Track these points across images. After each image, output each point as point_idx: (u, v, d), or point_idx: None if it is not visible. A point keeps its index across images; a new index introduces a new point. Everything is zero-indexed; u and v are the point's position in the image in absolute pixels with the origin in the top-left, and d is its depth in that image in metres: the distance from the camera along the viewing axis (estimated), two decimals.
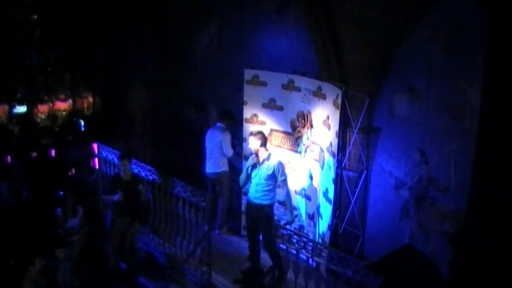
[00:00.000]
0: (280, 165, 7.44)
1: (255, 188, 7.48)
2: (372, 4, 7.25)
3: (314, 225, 8.00)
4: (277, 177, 7.38)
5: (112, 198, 8.10)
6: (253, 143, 7.47)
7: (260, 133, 7.55)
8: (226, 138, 8.67)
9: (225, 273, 7.85)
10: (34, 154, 10.79)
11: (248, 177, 7.54)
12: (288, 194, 7.55)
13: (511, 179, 6.42)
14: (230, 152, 8.70)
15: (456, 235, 6.88)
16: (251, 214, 7.58)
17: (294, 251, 6.61)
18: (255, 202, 7.49)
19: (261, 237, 7.66)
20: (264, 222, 7.39)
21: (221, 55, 10.13)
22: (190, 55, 10.71)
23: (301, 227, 8.19)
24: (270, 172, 7.37)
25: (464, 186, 6.85)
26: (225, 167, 8.80)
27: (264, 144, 7.44)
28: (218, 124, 8.77)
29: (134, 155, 9.72)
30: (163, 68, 11.13)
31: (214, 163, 8.75)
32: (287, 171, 7.62)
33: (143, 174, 8.54)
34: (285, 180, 7.47)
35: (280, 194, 7.65)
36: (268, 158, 7.42)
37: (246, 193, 8.04)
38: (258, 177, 7.43)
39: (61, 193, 8.95)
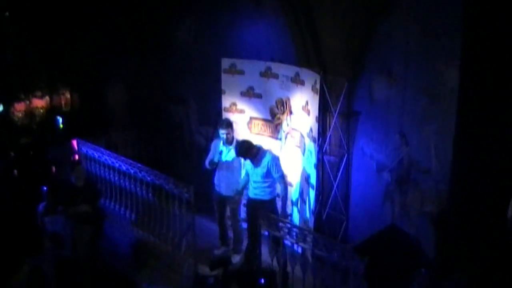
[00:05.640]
0: (274, 161, 7.50)
1: (254, 186, 7.61)
2: None
3: (298, 211, 8.02)
4: (272, 174, 7.44)
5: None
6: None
7: (238, 147, 7.58)
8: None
9: None
10: (13, 154, 10.67)
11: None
12: (284, 189, 7.59)
13: (491, 158, 6.48)
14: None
15: (439, 215, 6.94)
16: (253, 209, 7.58)
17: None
18: (255, 198, 7.60)
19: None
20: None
21: (199, 47, 10.06)
22: (168, 49, 10.63)
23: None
24: (265, 170, 7.47)
25: (445, 167, 6.88)
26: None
27: (245, 154, 7.50)
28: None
29: (115, 150, 9.67)
30: (141, 62, 11.04)
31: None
32: None
33: (124, 168, 8.50)
34: (281, 177, 7.54)
35: (278, 188, 7.70)
36: (261, 158, 7.47)
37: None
38: (255, 175, 7.54)
39: (45, 189, 8.87)
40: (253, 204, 7.64)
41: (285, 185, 7.64)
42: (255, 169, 7.53)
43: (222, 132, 7.90)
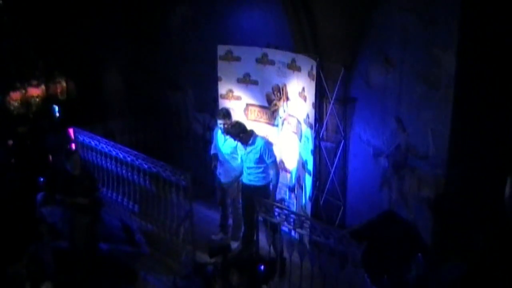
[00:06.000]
0: (267, 146, 7.49)
1: (248, 171, 7.61)
2: None
3: (296, 197, 8.04)
4: (265, 160, 7.43)
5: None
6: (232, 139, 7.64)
7: (230, 127, 7.55)
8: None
9: None
10: (11, 142, 10.65)
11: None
12: (276, 174, 7.59)
13: (488, 143, 6.49)
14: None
15: (436, 201, 6.96)
16: (247, 195, 7.60)
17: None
18: (249, 183, 7.60)
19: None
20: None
21: (194, 33, 10.02)
22: (164, 36, 10.59)
23: (282, 199, 8.22)
24: (258, 155, 7.45)
25: (442, 152, 6.88)
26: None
27: (238, 134, 7.46)
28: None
29: (112, 138, 9.65)
30: (138, 50, 11.01)
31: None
32: None
33: (121, 156, 8.49)
34: (273, 162, 7.53)
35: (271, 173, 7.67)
36: (253, 143, 7.45)
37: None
38: (248, 161, 7.53)
39: (42, 179, 8.87)
40: (247, 190, 7.65)
41: (277, 170, 7.66)
42: (248, 155, 7.54)
43: (220, 122, 7.89)
